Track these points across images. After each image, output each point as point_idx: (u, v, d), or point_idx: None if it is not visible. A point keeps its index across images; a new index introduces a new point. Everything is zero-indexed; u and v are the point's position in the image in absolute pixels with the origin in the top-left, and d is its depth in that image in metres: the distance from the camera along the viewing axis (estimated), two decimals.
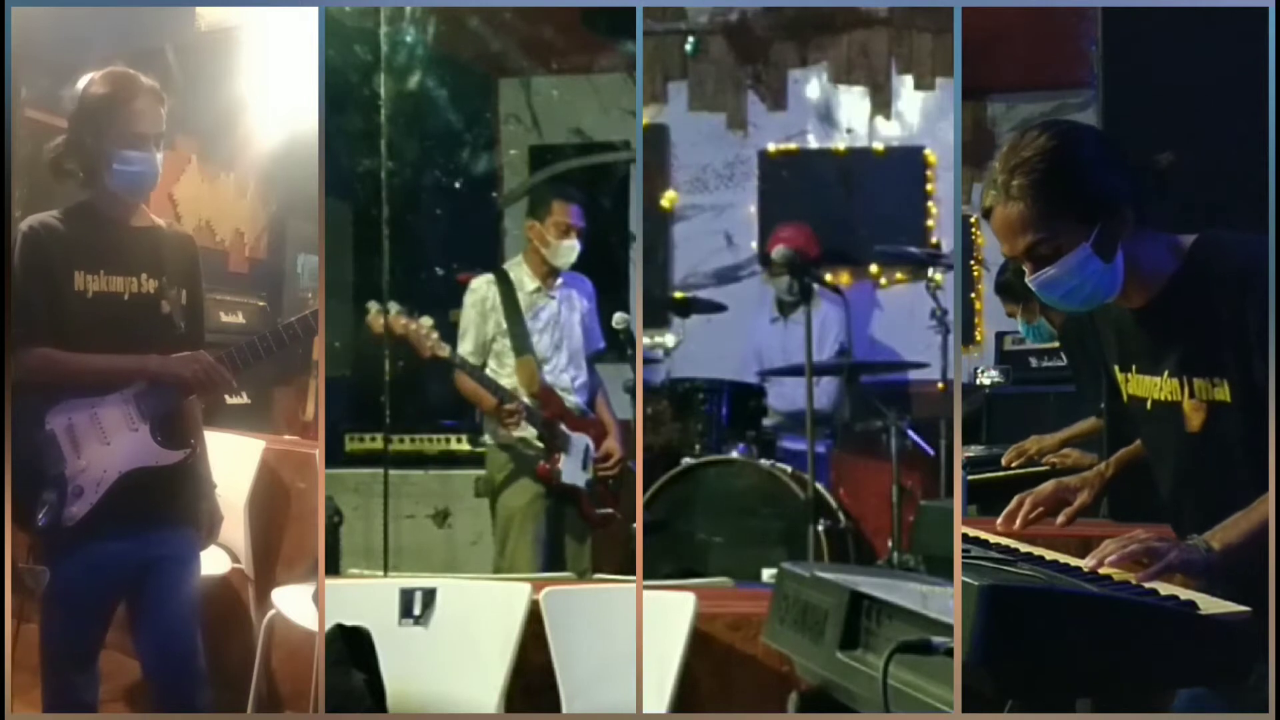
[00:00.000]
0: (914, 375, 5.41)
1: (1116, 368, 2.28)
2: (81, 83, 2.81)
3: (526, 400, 4.27)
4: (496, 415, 4.26)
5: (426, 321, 4.15)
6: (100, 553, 2.78)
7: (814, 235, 5.43)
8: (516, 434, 4.28)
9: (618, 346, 4.42)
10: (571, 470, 4.33)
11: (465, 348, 4.33)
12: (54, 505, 2.74)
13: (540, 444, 4.30)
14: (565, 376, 4.38)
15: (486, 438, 4.41)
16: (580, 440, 4.35)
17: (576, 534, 4.38)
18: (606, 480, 4.42)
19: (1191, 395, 2.11)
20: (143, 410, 2.79)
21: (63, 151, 2.84)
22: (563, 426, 4.31)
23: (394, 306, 4.18)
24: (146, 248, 2.85)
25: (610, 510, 4.42)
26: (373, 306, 4.17)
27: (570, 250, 4.31)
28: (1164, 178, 2.13)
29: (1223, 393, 2.07)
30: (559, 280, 4.38)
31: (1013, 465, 3.62)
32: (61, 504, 2.75)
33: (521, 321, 4.32)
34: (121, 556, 2.80)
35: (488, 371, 4.32)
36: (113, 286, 2.79)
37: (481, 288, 4.37)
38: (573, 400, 4.38)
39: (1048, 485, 2.39)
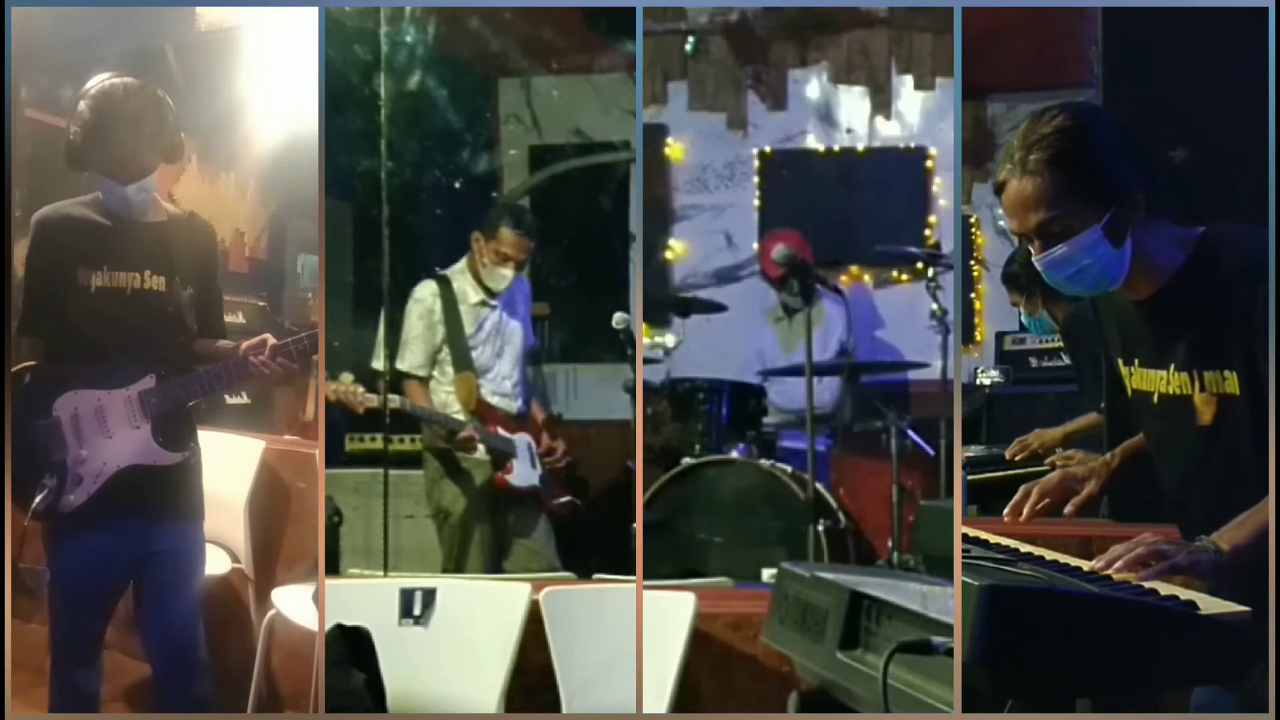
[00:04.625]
0: (914, 375, 5.41)
1: (1120, 361, 2.28)
2: (86, 86, 2.79)
3: (467, 419, 4.30)
4: (451, 444, 4.31)
5: (347, 378, 4.15)
6: (98, 543, 2.81)
7: (805, 242, 5.43)
8: (475, 456, 4.33)
9: (617, 346, 4.42)
10: (524, 472, 4.39)
11: (413, 360, 4.35)
12: (53, 491, 2.78)
13: (489, 456, 4.35)
14: (507, 383, 4.44)
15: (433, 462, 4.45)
16: (523, 440, 4.42)
17: (529, 537, 4.43)
18: (557, 472, 4.49)
19: (1202, 388, 2.11)
20: (146, 409, 2.81)
21: (70, 153, 2.83)
22: (503, 432, 4.36)
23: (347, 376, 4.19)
24: (157, 242, 2.86)
25: (570, 498, 4.49)
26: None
27: (503, 279, 4.34)
28: (1174, 174, 2.13)
29: (1231, 385, 2.07)
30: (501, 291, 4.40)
31: (1017, 459, 3.62)
32: (60, 490, 2.79)
33: (462, 335, 4.35)
34: (121, 549, 2.84)
35: (432, 383, 4.37)
36: (116, 282, 2.80)
37: (426, 299, 4.38)
38: (515, 406, 4.44)
39: (1054, 475, 2.38)
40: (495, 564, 4.34)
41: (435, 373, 4.37)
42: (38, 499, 2.78)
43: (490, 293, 4.38)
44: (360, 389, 4.14)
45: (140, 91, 2.79)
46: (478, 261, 4.37)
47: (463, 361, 4.34)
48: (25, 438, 2.80)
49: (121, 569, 2.86)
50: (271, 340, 2.83)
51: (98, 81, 2.79)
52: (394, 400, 4.20)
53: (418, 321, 4.37)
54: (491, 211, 4.46)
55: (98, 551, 2.81)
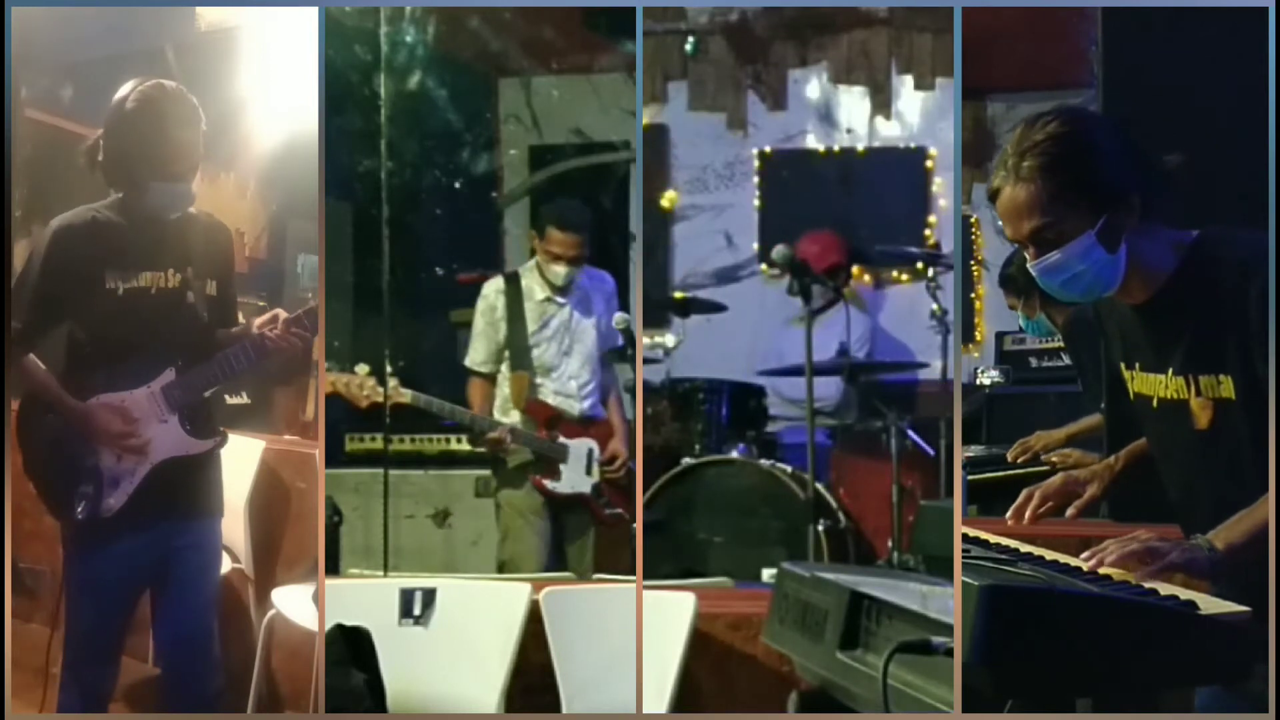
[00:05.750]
0: (913, 375, 5.41)
1: (1122, 365, 2.28)
2: (120, 93, 2.78)
3: (514, 420, 4.25)
4: (485, 444, 4.28)
5: (363, 369, 4.12)
6: (131, 543, 2.82)
7: (840, 242, 5.42)
8: (513, 458, 4.27)
9: (617, 347, 4.41)
10: (573, 478, 4.29)
11: (475, 356, 4.33)
12: (91, 497, 2.78)
13: (536, 460, 4.27)
14: (573, 384, 4.35)
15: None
16: (581, 446, 4.31)
17: (576, 542, 4.36)
18: (615, 482, 4.38)
19: (1198, 393, 2.11)
20: (170, 402, 2.82)
21: (100, 159, 2.83)
22: (559, 436, 4.29)
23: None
24: (177, 240, 2.86)
25: (620, 510, 4.38)
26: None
27: (558, 275, 4.28)
28: (1171, 178, 2.13)
29: (1227, 389, 2.07)
30: (573, 285, 4.34)
31: (1017, 460, 3.62)
32: (99, 496, 2.79)
33: (524, 334, 4.30)
34: (149, 546, 2.85)
35: (499, 379, 4.32)
36: (142, 283, 2.80)
37: (490, 295, 4.35)
38: (578, 407, 4.34)
39: (1056, 478, 2.38)
40: (549, 563, 4.26)
41: (502, 369, 4.33)
42: (79, 508, 2.78)
43: (556, 289, 4.33)
44: (371, 382, 4.10)
45: (179, 89, 2.80)
46: (538, 259, 4.35)
47: (520, 360, 4.29)
48: (55, 446, 2.80)
49: (148, 567, 2.87)
50: (283, 314, 2.84)
51: (133, 86, 2.78)
52: (405, 395, 4.15)
53: (480, 318, 4.36)
54: (541, 210, 4.43)
55: (128, 551, 2.82)
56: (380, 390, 4.13)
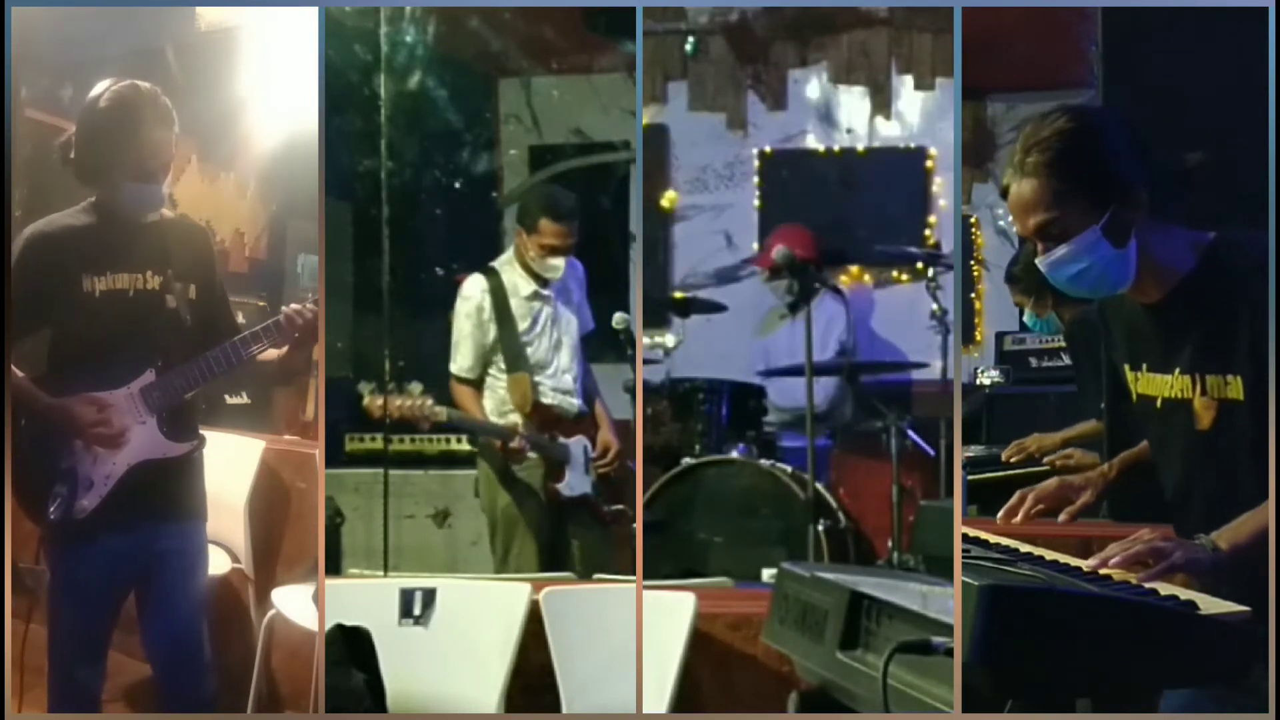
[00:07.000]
0: (913, 375, 5.41)
1: (1126, 366, 2.27)
2: (94, 92, 2.78)
3: (521, 425, 4.12)
4: (503, 454, 4.14)
5: (416, 388, 3.99)
6: (109, 545, 2.81)
7: (811, 237, 5.43)
8: (528, 468, 4.17)
9: (617, 346, 4.39)
10: (577, 479, 4.23)
11: (463, 362, 4.17)
12: (65, 498, 2.77)
13: (543, 464, 4.18)
14: (567, 378, 4.25)
15: (485, 467, 4.28)
16: (578, 445, 4.25)
17: (580, 542, 4.30)
18: (608, 477, 4.31)
19: (1203, 392, 2.11)
20: (149, 403, 2.81)
21: (71, 156, 2.83)
22: (559, 437, 4.21)
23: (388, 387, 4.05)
24: (154, 242, 2.85)
25: (621, 507, 4.31)
26: (365, 389, 4.01)
27: (556, 268, 4.13)
28: (1190, 177, 2.13)
29: (1235, 390, 2.07)
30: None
31: (1012, 460, 3.62)
32: (73, 497, 2.78)
33: (515, 332, 4.14)
34: (130, 550, 2.84)
35: (490, 383, 4.21)
36: (119, 284, 2.79)
37: (475, 295, 4.15)
38: (574, 404, 4.26)
39: (1051, 482, 2.39)
40: (556, 569, 4.17)
41: (493, 371, 4.17)
42: (52, 508, 2.77)
43: (543, 282, 4.16)
44: (429, 401, 3.97)
45: (154, 90, 2.80)
46: (524, 254, 4.15)
47: (517, 361, 4.12)
48: (31, 447, 2.79)
49: (130, 570, 2.86)
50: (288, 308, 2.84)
51: (106, 86, 2.78)
52: (440, 413, 4.01)
53: (465, 321, 4.15)
54: (525, 203, 4.23)
55: (108, 554, 2.81)
56: (440, 411, 3.99)
